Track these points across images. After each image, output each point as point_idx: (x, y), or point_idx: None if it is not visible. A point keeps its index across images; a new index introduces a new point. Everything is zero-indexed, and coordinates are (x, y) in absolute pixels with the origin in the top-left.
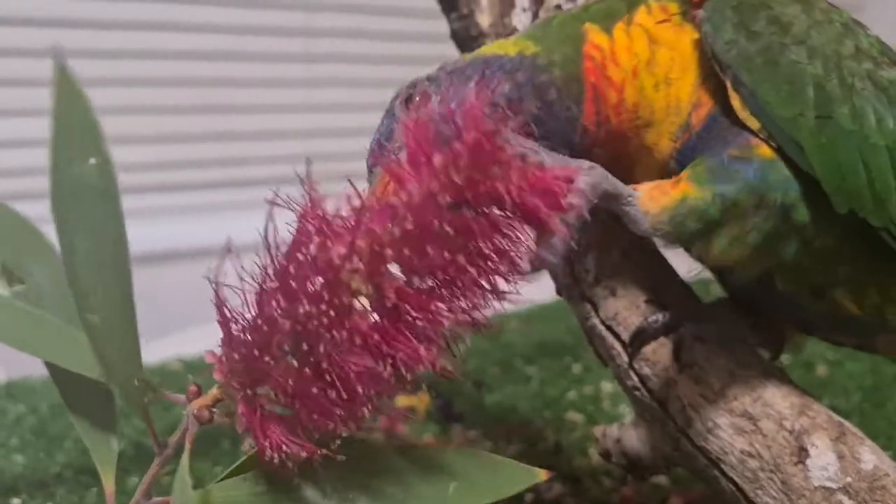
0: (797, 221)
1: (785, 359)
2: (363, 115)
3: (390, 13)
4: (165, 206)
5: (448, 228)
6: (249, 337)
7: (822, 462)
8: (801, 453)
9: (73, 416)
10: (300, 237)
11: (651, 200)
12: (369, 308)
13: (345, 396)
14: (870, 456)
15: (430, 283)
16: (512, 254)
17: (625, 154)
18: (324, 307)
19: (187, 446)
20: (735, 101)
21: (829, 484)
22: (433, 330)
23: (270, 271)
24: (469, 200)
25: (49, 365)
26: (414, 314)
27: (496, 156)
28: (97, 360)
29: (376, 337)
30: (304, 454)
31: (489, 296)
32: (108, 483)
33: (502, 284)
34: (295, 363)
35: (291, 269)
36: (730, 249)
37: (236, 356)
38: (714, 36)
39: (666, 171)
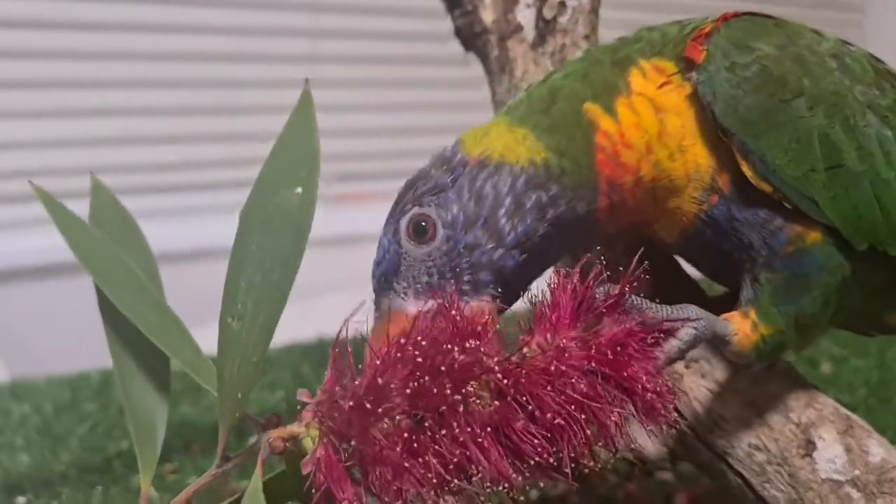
0: (853, 280)
1: (788, 356)
2: (368, 116)
3: (394, 13)
4: (163, 208)
5: (580, 387)
6: (362, 392)
7: (830, 455)
8: (809, 446)
9: (128, 411)
10: (444, 330)
11: (740, 345)
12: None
13: (428, 476)
14: (878, 448)
15: (547, 419)
16: (615, 431)
17: (643, 218)
18: (450, 395)
19: (258, 470)
20: (746, 169)
21: (836, 476)
22: (522, 461)
23: (404, 343)
24: (604, 375)
25: (115, 356)
26: (519, 440)
27: (639, 354)
28: (219, 362)
29: (485, 442)
30: None
31: (575, 454)
32: (146, 483)
33: (588, 449)
34: (398, 432)
35: (428, 350)
36: (813, 338)
37: (339, 404)
38: (713, 101)
39: (692, 228)
